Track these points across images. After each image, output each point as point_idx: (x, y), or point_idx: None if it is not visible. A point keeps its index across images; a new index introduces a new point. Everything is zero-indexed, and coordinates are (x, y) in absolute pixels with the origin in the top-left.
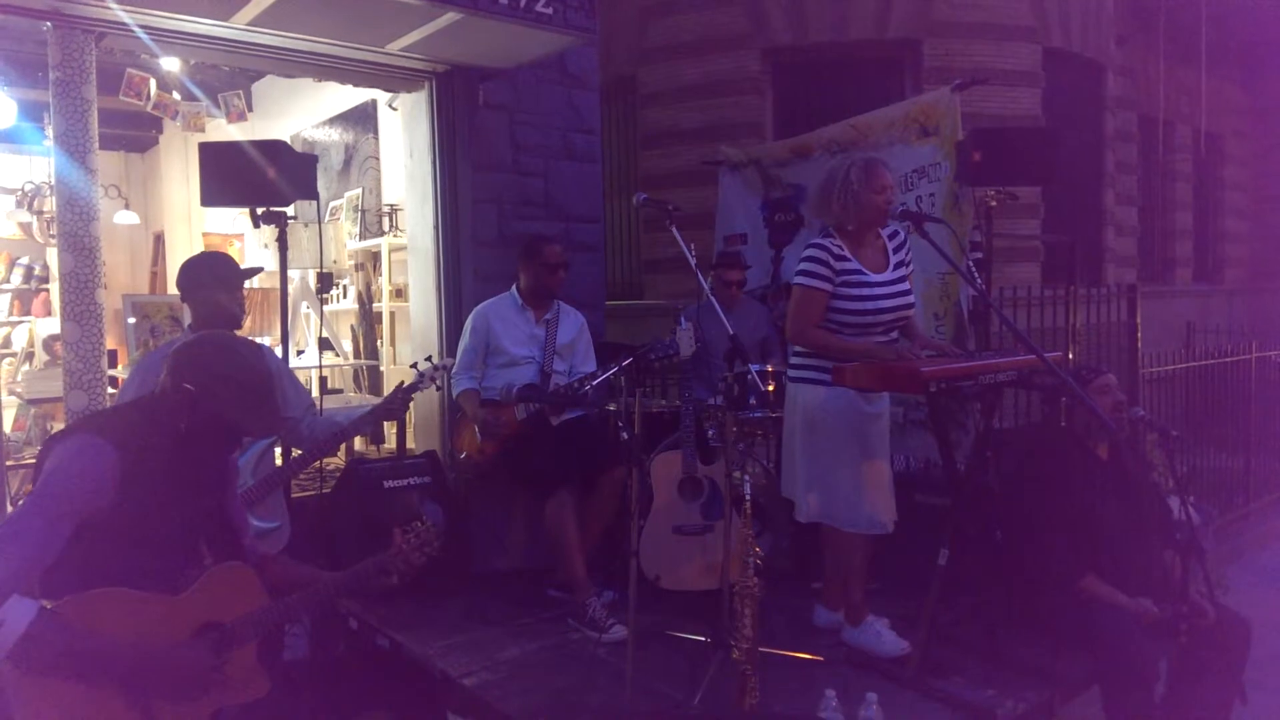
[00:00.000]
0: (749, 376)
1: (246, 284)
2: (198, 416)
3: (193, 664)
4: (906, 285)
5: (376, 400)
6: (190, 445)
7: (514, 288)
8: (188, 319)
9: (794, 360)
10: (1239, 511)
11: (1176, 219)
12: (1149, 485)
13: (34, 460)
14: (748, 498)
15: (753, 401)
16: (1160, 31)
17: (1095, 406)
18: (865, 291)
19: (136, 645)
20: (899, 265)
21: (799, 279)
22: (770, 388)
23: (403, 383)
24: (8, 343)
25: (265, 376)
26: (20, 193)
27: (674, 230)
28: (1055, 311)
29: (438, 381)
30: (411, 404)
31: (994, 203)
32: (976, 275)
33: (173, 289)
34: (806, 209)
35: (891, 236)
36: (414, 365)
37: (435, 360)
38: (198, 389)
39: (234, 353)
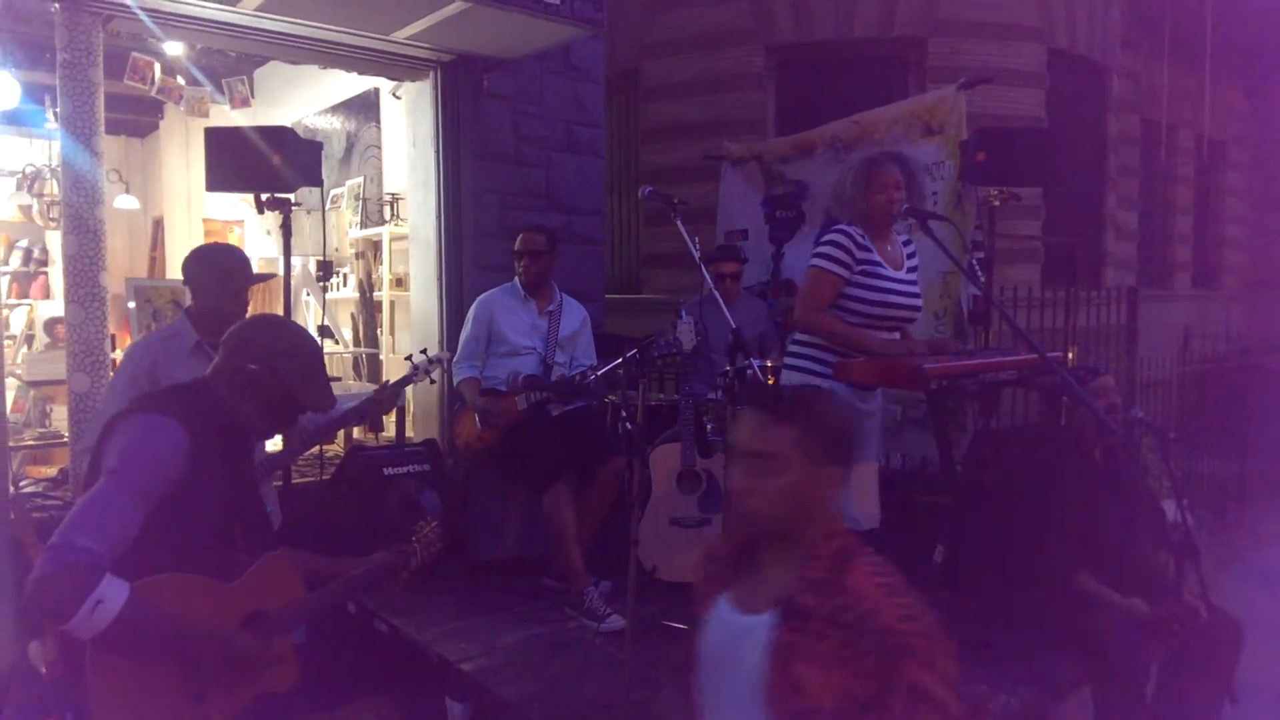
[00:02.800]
0: (749, 371)
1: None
2: (263, 396)
3: (250, 654)
4: (917, 288)
5: (376, 388)
6: (251, 426)
7: (516, 278)
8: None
9: (792, 349)
10: (1233, 515)
11: (1176, 223)
12: (1142, 487)
13: (34, 442)
14: None
15: None
16: (1165, 35)
17: (1094, 407)
18: (881, 284)
19: (206, 633)
20: (911, 269)
21: (816, 260)
22: (770, 382)
23: (386, 381)
24: (6, 325)
25: (320, 352)
26: (21, 175)
27: (678, 223)
28: (1055, 313)
29: (433, 375)
30: (410, 392)
31: (997, 203)
32: (980, 274)
33: (171, 274)
34: (808, 206)
35: (906, 243)
36: (408, 358)
37: (431, 353)
38: (262, 369)
39: (290, 331)
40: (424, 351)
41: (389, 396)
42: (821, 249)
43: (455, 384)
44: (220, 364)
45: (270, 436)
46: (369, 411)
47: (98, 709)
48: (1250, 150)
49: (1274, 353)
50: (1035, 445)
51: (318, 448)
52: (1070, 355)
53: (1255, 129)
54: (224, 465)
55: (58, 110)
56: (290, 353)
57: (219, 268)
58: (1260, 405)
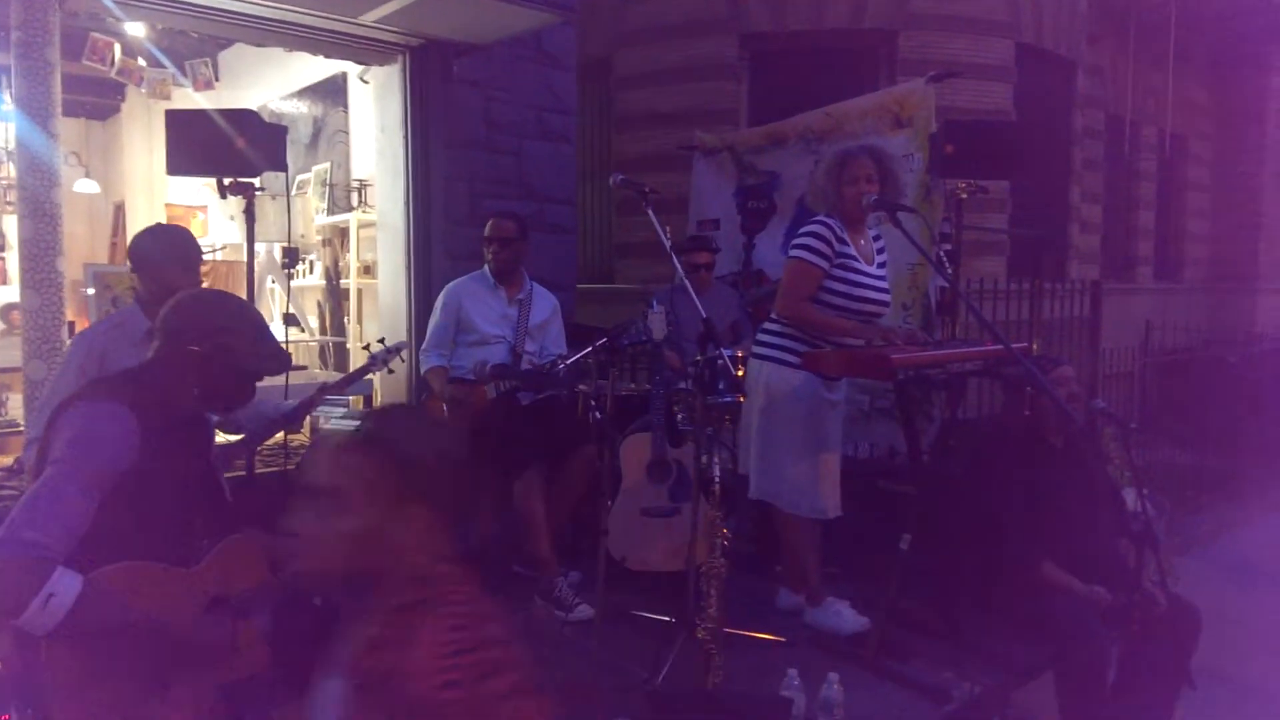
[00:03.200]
0: (720, 361)
1: (211, 255)
2: (213, 375)
3: (214, 641)
4: (886, 284)
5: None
6: (205, 406)
7: (485, 266)
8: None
9: (761, 338)
10: (1192, 504)
11: (1139, 217)
12: (1103, 476)
13: None
14: (716, 481)
15: (722, 386)
16: (1130, 32)
17: (1057, 396)
18: (855, 277)
19: (166, 621)
20: (881, 265)
21: (797, 252)
22: (740, 373)
23: (325, 383)
24: None
25: (257, 313)
26: None
27: (650, 213)
28: (1020, 305)
29: (390, 365)
30: (377, 382)
31: (964, 195)
32: (947, 266)
33: None
34: (779, 196)
35: (876, 239)
36: (366, 347)
37: (389, 342)
38: (207, 348)
39: (225, 301)
40: (381, 340)
41: (343, 384)
42: (802, 240)
43: (423, 373)
44: (161, 350)
45: (230, 411)
46: (298, 417)
47: (56, 704)
48: (1212, 145)
49: (1234, 345)
50: (996, 434)
51: (282, 435)
52: (1034, 346)
53: (1217, 124)
54: (177, 450)
55: (12, 91)
56: (229, 325)
57: (167, 244)
58: (1219, 397)
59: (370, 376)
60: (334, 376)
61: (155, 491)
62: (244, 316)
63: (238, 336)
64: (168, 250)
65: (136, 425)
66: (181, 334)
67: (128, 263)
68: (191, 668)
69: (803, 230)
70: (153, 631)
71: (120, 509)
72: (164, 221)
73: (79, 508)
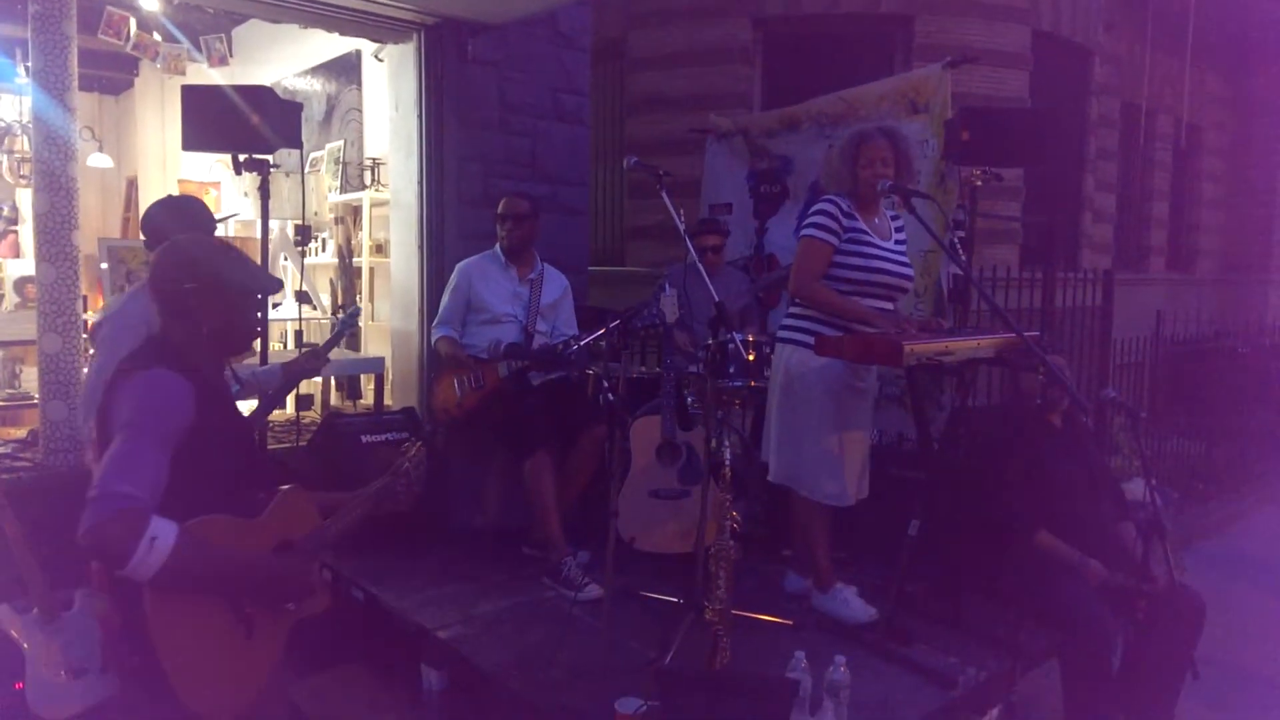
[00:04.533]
0: (731, 345)
1: (222, 222)
2: (217, 305)
3: (296, 570)
4: (906, 258)
5: (355, 355)
6: (223, 345)
7: (497, 245)
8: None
9: (787, 321)
10: (1199, 495)
11: (1153, 207)
12: (1101, 460)
13: (2, 403)
14: (727, 464)
15: (733, 370)
16: (1148, 20)
17: (1071, 386)
18: (868, 250)
19: (253, 558)
20: (900, 241)
21: (806, 230)
22: (750, 357)
23: (315, 347)
24: None
25: (230, 244)
26: None
27: (664, 195)
28: (1032, 293)
29: (351, 328)
30: (389, 361)
31: (979, 182)
32: (960, 253)
33: None
34: (792, 181)
35: (894, 218)
36: (335, 313)
37: (347, 308)
38: (200, 281)
39: (196, 240)
40: (342, 307)
41: (311, 365)
42: (811, 219)
43: (434, 343)
44: (163, 305)
45: (250, 341)
46: (309, 366)
47: (163, 653)
48: (1227, 136)
49: (1244, 336)
50: (999, 413)
51: (294, 411)
52: (1045, 336)
53: (1233, 115)
54: (223, 406)
55: (29, 65)
56: (209, 255)
57: (180, 215)
58: (1229, 388)
59: (350, 351)
60: (348, 355)
61: (214, 448)
62: (220, 248)
63: (223, 263)
64: (180, 221)
65: (190, 386)
66: (173, 281)
67: (142, 236)
68: (271, 607)
69: (811, 210)
70: (242, 569)
71: (185, 469)
72: (173, 194)
73: (158, 464)
